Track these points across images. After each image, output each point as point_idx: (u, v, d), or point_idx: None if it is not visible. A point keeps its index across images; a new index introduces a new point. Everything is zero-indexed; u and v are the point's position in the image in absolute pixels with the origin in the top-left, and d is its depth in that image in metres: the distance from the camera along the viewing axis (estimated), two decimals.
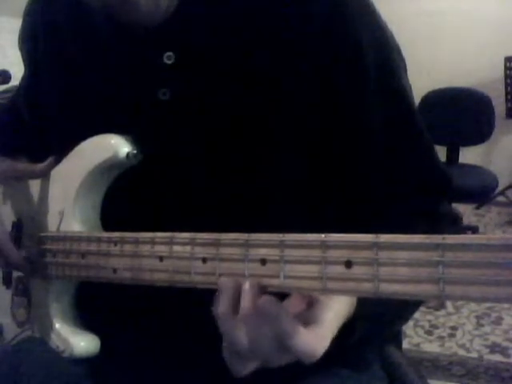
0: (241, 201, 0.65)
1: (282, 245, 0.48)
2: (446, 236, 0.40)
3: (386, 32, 0.68)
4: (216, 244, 0.52)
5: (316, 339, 0.48)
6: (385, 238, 0.43)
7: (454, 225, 0.73)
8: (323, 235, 0.46)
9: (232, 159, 0.65)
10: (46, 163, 0.74)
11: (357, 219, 0.67)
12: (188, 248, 0.54)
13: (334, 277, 0.45)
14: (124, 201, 0.69)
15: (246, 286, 0.49)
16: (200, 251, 0.53)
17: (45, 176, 0.75)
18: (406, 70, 0.70)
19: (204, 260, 0.53)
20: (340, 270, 0.45)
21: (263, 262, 0.49)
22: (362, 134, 0.66)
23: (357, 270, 0.44)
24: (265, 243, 0.49)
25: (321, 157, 0.66)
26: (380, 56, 0.66)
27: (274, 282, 0.49)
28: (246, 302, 0.48)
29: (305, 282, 0.47)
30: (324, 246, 0.46)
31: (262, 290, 0.49)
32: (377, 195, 0.67)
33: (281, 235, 0.48)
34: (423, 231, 0.67)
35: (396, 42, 0.69)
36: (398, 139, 0.68)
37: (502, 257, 0.38)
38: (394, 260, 0.42)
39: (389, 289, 0.43)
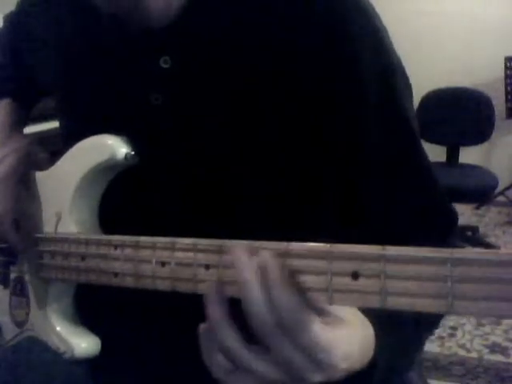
0: (233, 206, 0.65)
1: (286, 253, 0.47)
2: (455, 250, 0.40)
3: (390, 55, 0.65)
4: (219, 251, 0.51)
5: (335, 336, 0.46)
6: (392, 250, 0.42)
7: None
8: (329, 245, 0.45)
9: (223, 168, 0.65)
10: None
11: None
12: (190, 254, 0.53)
13: (340, 288, 0.45)
14: (120, 202, 0.69)
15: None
16: (203, 258, 0.52)
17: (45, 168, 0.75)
18: (411, 95, 0.68)
19: (207, 267, 0.52)
20: (346, 281, 0.44)
21: None
22: (358, 160, 0.65)
23: (363, 282, 0.43)
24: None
25: (318, 165, 0.65)
26: (383, 85, 0.64)
27: None
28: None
29: (310, 292, 0.46)
30: (330, 256, 0.45)
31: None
32: (372, 232, 0.63)
33: (286, 243, 0.48)
34: None
35: (404, 70, 0.67)
36: (398, 172, 0.66)
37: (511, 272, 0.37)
38: (402, 273, 0.42)
39: (396, 302, 0.42)
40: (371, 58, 0.63)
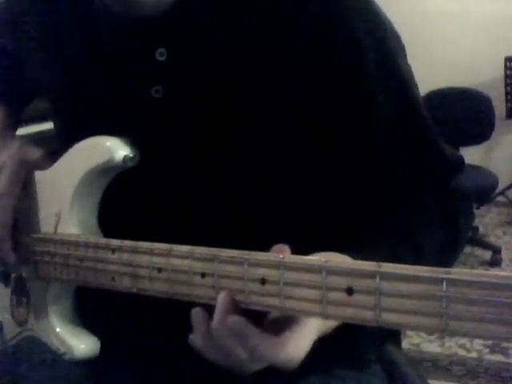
0: (236, 200, 0.65)
1: (281, 266, 0.47)
2: (451, 270, 0.39)
3: (383, 22, 0.67)
4: (214, 260, 0.52)
5: (290, 349, 0.49)
6: (388, 267, 0.42)
7: (465, 201, 0.73)
8: (323, 259, 0.45)
9: (226, 160, 0.65)
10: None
11: (360, 207, 0.67)
12: (187, 262, 0.54)
13: (335, 302, 0.45)
14: (121, 202, 0.69)
15: (219, 298, 0.50)
16: (199, 266, 0.53)
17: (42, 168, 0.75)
18: (405, 56, 0.70)
19: (203, 275, 0.53)
20: (341, 296, 0.44)
21: (262, 281, 0.49)
22: (364, 129, 0.66)
23: (358, 298, 0.43)
24: (264, 263, 0.48)
25: (320, 156, 0.66)
26: (380, 53, 0.65)
27: (274, 302, 0.48)
28: (216, 318, 0.49)
29: (305, 306, 0.46)
30: (325, 270, 0.45)
31: (234, 305, 0.50)
32: (380, 177, 0.67)
33: (280, 256, 0.48)
34: (434, 208, 0.68)
35: (394, 30, 0.69)
36: (403, 127, 0.68)
37: (508, 296, 0.37)
38: (397, 291, 0.42)
39: (391, 319, 0.42)
40: (369, 34, 0.65)
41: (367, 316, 0.43)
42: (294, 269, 0.47)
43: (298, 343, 0.49)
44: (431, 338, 2.28)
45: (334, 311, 0.45)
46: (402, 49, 0.69)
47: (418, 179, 0.69)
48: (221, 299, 0.50)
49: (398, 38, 0.69)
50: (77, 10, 0.72)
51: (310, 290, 0.46)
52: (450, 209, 0.69)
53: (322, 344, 0.55)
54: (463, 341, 2.26)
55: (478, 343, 2.25)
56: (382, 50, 0.66)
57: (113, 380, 0.75)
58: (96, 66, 0.71)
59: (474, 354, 2.18)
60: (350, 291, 0.44)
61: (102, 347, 0.70)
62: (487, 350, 2.20)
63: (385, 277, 0.42)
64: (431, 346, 2.22)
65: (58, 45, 0.74)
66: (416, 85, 0.70)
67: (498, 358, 2.15)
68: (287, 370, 0.49)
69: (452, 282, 0.39)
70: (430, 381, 0.84)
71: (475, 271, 0.39)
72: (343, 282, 0.44)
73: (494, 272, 0.38)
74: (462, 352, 2.19)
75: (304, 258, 0.47)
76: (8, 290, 0.82)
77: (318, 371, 0.70)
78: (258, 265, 0.49)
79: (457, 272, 0.39)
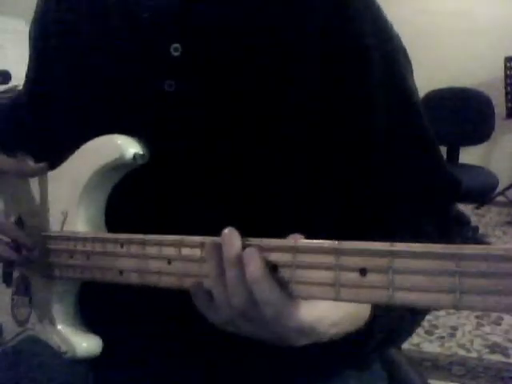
0: (245, 196, 0.66)
1: (294, 250, 0.48)
2: (463, 246, 0.40)
3: (391, 32, 0.68)
4: None
5: (321, 310, 0.50)
6: (400, 246, 0.42)
7: (463, 227, 0.73)
8: (336, 242, 0.46)
9: (235, 155, 0.66)
10: (39, 165, 0.73)
11: (360, 224, 0.67)
12: (198, 251, 0.54)
13: (348, 284, 0.45)
14: (128, 199, 0.69)
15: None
16: None
17: (35, 176, 0.75)
18: (412, 72, 0.70)
19: None
20: (354, 277, 0.44)
21: (275, 267, 0.49)
22: (365, 135, 0.66)
23: (371, 278, 0.44)
24: (276, 248, 0.49)
25: (323, 157, 0.66)
26: (385, 59, 0.66)
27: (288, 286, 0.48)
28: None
29: (318, 289, 0.47)
30: (338, 252, 0.45)
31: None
32: (380, 197, 0.67)
33: (292, 241, 0.48)
34: (433, 233, 0.68)
35: (402, 43, 0.69)
36: (403, 142, 0.68)
37: None
38: (410, 269, 0.42)
39: (404, 297, 0.42)
40: (373, 35, 0.65)
41: (381, 295, 0.43)
42: (306, 252, 0.47)
43: (311, 309, 0.50)
44: (431, 337, 2.28)
45: (348, 292, 0.45)
46: (408, 63, 0.70)
47: (418, 178, 0.69)
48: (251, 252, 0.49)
49: (405, 53, 0.70)
50: (90, 7, 0.72)
51: (323, 272, 0.46)
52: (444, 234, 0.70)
53: (325, 348, 0.55)
54: (463, 341, 2.26)
55: (477, 343, 2.25)
56: (386, 52, 0.66)
57: (113, 380, 0.75)
58: (107, 61, 0.71)
59: (474, 354, 2.17)
60: (363, 271, 0.44)
61: (103, 347, 0.70)
62: (487, 350, 2.20)
63: (398, 255, 0.42)
64: (431, 346, 2.22)
65: (71, 42, 0.74)
66: (419, 101, 0.70)
67: (498, 358, 2.15)
68: (295, 340, 0.51)
69: (464, 257, 0.39)
70: (430, 381, 0.84)
71: (486, 246, 0.39)
72: (356, 262, 0.44)
73: (506, 246, 0.39)
74: (461, 352, 2.19)
75: (316, 242, 0.47)
76: (8, 291, 0.82)
77: (317, 371, 0.70)
78: (269, 250, 0.49)
79: (469, 247, 0.40)
